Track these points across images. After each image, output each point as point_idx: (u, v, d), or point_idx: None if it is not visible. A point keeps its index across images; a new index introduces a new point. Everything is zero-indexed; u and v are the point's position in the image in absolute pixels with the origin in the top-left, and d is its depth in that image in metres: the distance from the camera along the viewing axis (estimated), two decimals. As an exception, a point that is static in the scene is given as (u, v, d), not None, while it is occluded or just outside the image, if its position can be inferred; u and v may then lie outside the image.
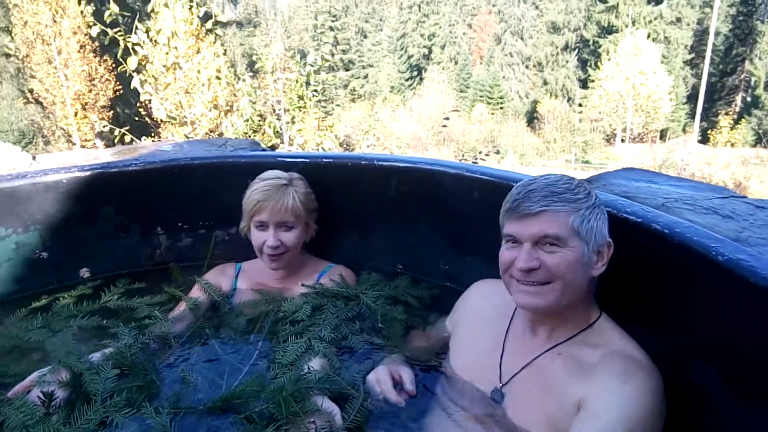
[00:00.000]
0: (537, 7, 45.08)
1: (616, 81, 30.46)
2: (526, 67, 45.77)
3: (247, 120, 6.71)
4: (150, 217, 2.22)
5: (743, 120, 35.74)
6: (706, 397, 1.16)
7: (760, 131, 35.04)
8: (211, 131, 6.51)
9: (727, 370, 1.10)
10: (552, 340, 1.33)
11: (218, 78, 6.60)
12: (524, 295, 1.26)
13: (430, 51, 50.18)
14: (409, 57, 49.56)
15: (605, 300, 1.35)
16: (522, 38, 45.73)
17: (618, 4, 38.45)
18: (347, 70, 45.43)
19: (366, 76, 45.24)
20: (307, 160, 2.09)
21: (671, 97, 33.29)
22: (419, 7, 49.80)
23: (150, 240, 2.25)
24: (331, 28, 43.36)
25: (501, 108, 43.11)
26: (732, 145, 33.46)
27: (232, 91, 6.86)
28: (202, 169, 2.15)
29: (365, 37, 48.50)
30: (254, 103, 7.05)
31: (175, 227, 2.25)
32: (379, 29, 49.23)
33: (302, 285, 1.94)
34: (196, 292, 1.98)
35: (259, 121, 7.03)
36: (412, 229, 2.01)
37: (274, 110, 7.37)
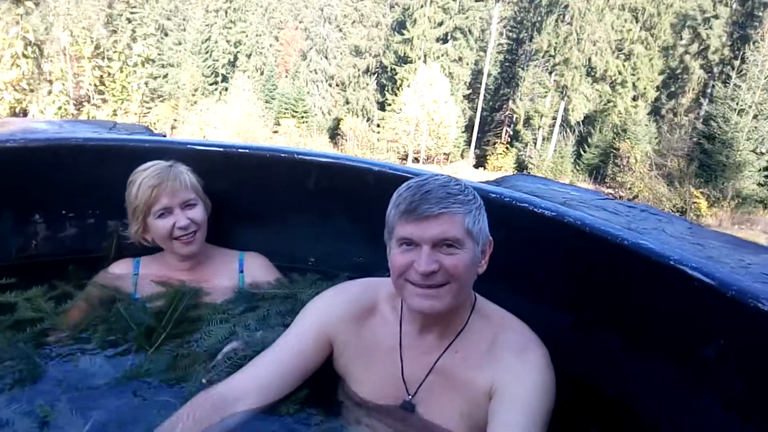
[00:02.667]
0: (341, 30, 47.17)
1: (413, 107, 33.52)
2: (330, 85, 47.47)
3: (60, 107, 5.86)
4: (27, 203, 1.97)
5: (508, 150, 42.00)
6: (609, 357, 1.52)
7: (520, 160, 41.56)
8: (13, 114, 5.57)
9: (627, 334, 1.47)
10: (445, 338, 1.34)
11: (25, 56, 5.68)
12: (422, 299, 1.24)
13: (236, 58, 48.96)
14: (214, 61, 47.68)
15: (523, 284, 1.64)
16: (326, 57, 47.35)
17: (413, 38, 42.33)
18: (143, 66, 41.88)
19: (166, 76, 42.20)
20: (221, 149, 2.07)
21: (457, 125, 37.72)
22: (226, 12, 48.35)
23: (25, 229, 1.98)
24: (129, 20, 39.61)
25: (305, 122, 43.92)
26: (500, 169, 39.19)
27: (38, 72, 5.95)
28: (99, 152, 1.97)
29: (166, 35, 45.31)
30: (65, 91, 6.20)
31: (58, 215, 2.01)
32: (182, 29, 46.46)
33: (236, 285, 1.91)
34: (90, 291, 1.83)
35: (75, 110, 6.20)
36: (327, 222, 2.10)
37: (90, 99, 6.57)
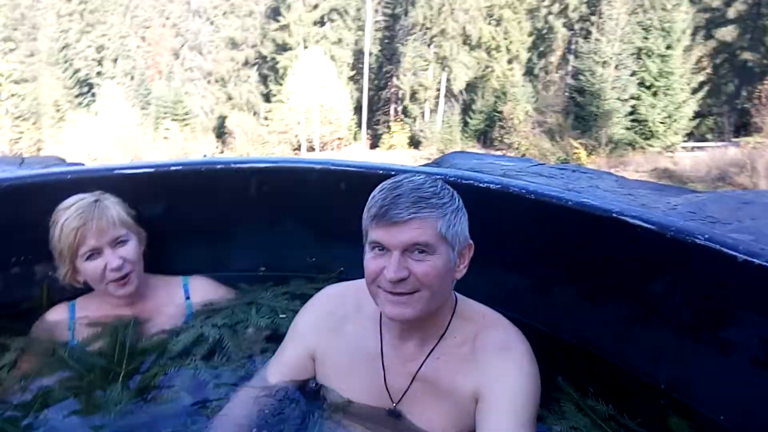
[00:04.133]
0: (212, 23, 45.25)
1: (300, 94, 33.05)
2: (208, 82, 45.52)
3: None
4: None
5: (401, 126, 42.80)
6: (567, 309, 1.66)
7: (412, 135, 42.54)
8: None
9: (581, 285, 1.61)
10: (426, 345, 1.33)
11: None
12: (393, 306, 1.22)
13: (101, 64, 45.37)
14: (76, 71, 43.83)
15: (481, 256, 1.72)
16: (201, 53, 45.27)
17: (290, 24, 41.54)
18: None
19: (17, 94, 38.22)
20: (152, 170, 1.97)
21: (347, 108, 37.83)
22: (81, 15, 44.46)
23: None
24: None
25: (188, 125, 41.91)
26: (394, 147, 39.89)
27: None
28: (18, 192, 1.80)
29: (15, 47, 40.91)
30: None
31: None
32: (32, 39, 42.10)
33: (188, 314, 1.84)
34: (28, 345, 1.70)
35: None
36: (275, 227, 2.08)
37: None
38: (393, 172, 1.67)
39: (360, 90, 46.09)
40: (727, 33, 33.28)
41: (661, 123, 26.28)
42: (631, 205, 1.55)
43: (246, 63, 44.97)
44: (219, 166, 2.00)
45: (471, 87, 43.45)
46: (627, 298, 1.53)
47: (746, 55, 31.40)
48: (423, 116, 43.80)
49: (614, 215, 1.47)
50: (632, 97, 26.79)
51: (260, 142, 38.56)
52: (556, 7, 45.26)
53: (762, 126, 20.54)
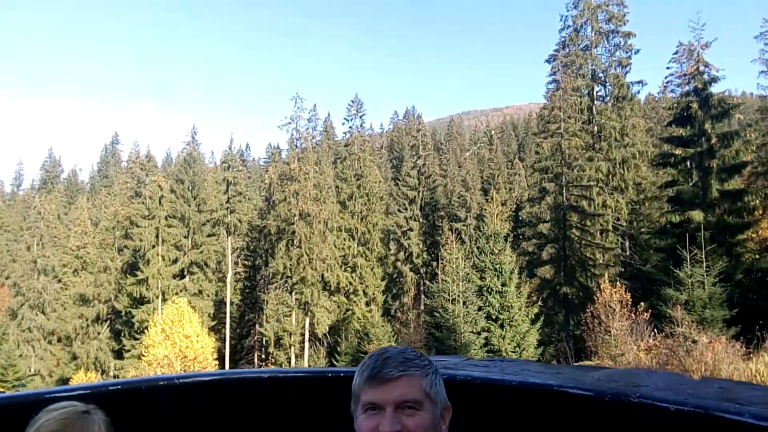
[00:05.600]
0: (60, 281, 43.15)
1: (161, 346, 31.21)
2: (50, 342, 41.37)
3: None
4: None
5: (265, 374, 41.07)
6: None
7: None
8: None
9: None
10: None
11: None
12: None
13: None
14: None
15: None
16: (44, 312, 41.91)
17: (148, 277, 41.06)
18: None
19: None
20: (88, 391, 1.97)
21: (215, 357, 35.95)
22: None
23: None
24: None
25: (18, 390, 36.40)
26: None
27: None
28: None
29: None
30: None
31: None
32: None
33: None
34: None
35: None
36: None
37: None
38: (342, 374, 1.89)
39: (222, 339, 44.77)
40: (545, 271, 39.44)
41: (513, 352, 28.61)
42: (566, 380, 1.91)
43: (97, 318, 42.27)
44: (161, 383, 2.07)
45: (334, 329, 44.50)
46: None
47: (565, 289, 36.96)
48: (289, 361, 42.92)
49: (554, 389, 1.67)
50: (484, 330, 29.31)
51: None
52: (402, 255, 50.97)
53: (595, 349, 23.14)
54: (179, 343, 31.28)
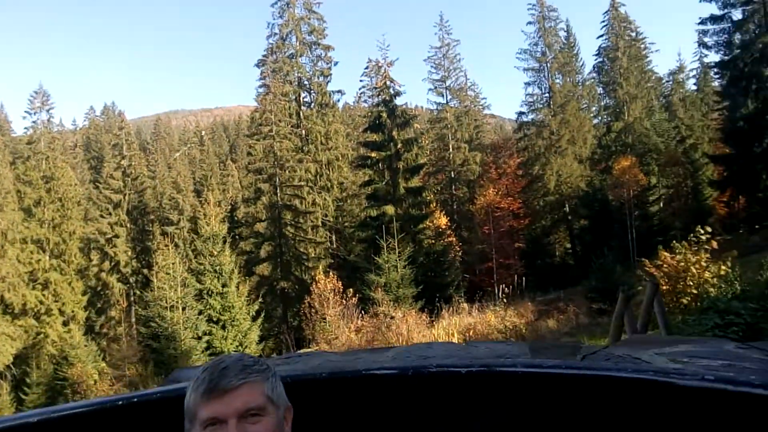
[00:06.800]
0: None
1: None
2: None
3: None
4: None
5: None
6: None
7: None
8: None
9: None
10: None
11: None
12: None
13: None
14: None
15: None
16: None
17: None
18: None
19: None
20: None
21: None
22: None
23: None
24: None
25: None
26: None
27: None
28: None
29: None
30: None
31: None
32: None
33: None
34: None
35: None
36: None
37: None
38: (156, 395, 1.73)
39: None
40: (263, 269, 40.75)
41: (235, 351, 28.89)
42: (367, 363, 1.94)
43: None
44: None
45: (21, 359, 37.53)
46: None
47: (282, 284, 38.88)
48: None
49: (363, 373, 1.73)
50: (205, 333, 28.76)
51: None
52: (107, 264, 45.87)
53: (313, 337, 25.08)
54: None
